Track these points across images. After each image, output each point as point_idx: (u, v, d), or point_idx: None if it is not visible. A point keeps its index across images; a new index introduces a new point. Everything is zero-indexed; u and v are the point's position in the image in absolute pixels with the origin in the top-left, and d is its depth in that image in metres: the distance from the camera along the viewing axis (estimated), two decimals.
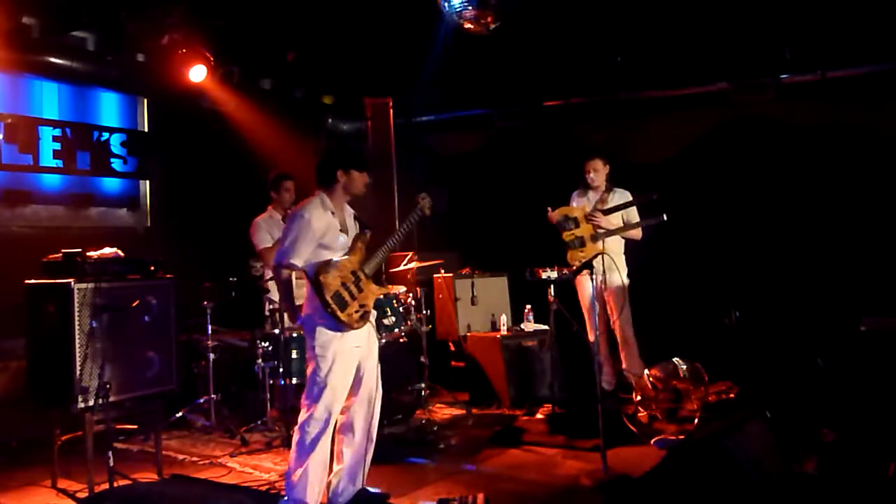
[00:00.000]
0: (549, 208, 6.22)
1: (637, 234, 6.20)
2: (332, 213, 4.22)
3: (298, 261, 4.10)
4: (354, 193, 4.32)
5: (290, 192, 6.16)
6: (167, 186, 7.55)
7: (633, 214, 6.18)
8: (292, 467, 4.05)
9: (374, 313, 4.38)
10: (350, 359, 4.15)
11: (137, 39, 6.47)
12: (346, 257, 4.21)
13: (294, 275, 4.21)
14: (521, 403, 6.46)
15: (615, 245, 6.15)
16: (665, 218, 5.84)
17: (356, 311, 4.12)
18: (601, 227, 6.02)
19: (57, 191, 6.83)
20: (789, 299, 6.74)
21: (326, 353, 4.07)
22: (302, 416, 4.09)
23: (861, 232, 6.62)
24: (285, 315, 5.47)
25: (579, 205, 6.29)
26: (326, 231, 4.16)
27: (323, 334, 4.08)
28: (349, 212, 4.40)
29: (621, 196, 6.17)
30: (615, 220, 6.12)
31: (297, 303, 4.30)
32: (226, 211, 7.15)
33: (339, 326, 4.06)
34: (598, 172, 6.24)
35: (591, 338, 5.63)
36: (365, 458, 4.29)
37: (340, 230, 4.24)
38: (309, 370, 4.14)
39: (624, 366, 6.27)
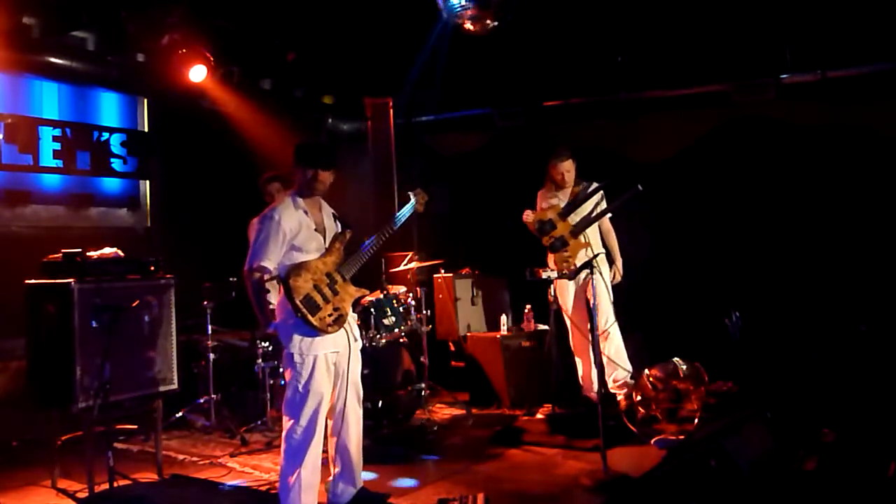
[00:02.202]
0: (528, 210, 6.09)
1: (609, 225, 6.09)
2: (305, 212, 4.11)
3: (269, 263, 4.00)
4: (313, 189, 4.15)
5: (281, 193, 6.14)
6: (167, 186, 7.54)
7: (603, 201, 6.04)
8: (284, 473, 4.00)
9: (354, 316, 4.28)
10: (329, 363, 4.06)
11: (137, 39, 6.46)
12: (320, 259, 4.09)
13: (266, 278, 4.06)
14: (521, 403, 6.45)
15: (595, 244, 6.06)
16: (640, 188, 5.54)
17: (329, 315, 3.99)
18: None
19: (57, 191, 6.83)
20: (789, 299, 6.74)
21: (304, 359, 3.97)
22: (286, 426, 4.00)
23: (861, 232, 6.62)
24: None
25: (549, 205, 6.13)
26: (298, 231, 4.05)
27: (299, 340, 3.98)
28: (328, 211, 4.28)
29: (594, 188, 6.02)
30: (587, 208, 5.99)
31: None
32: (226, 211, 7.14)
33: (314, 331, 3.95)
34: (570, 173, 6.10)
35: (590, 338, 5.62)
36: (359, 459, 4.27)
37: (315, 230, 4.13)
38: (287, 377, 4.05)
39: (608, 373, 6.03)
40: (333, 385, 4.13)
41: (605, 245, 6.16)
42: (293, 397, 4.00)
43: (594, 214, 5.89)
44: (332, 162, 4.15)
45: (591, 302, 5.15)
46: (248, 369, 6.09)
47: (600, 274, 5.89)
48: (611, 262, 6.18)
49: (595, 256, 5.30)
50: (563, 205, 6.00)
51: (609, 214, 6.01)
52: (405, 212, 4.44)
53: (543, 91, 7.96)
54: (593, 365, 5.84)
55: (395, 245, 7.51)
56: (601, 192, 5.99)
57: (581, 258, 5.71)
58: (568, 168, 6.10)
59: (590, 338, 5.23)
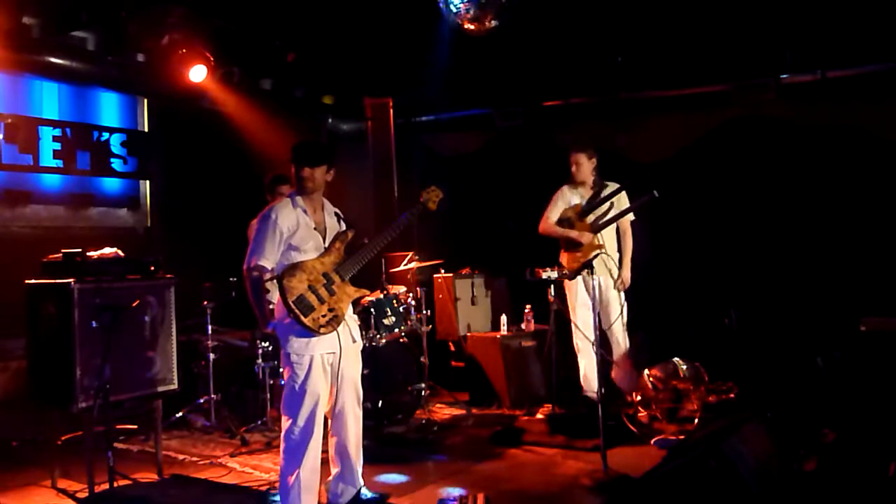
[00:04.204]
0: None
1: (627, 227, 6.11)
2: (304, 211, 4.10)
3: (267, 263, 4.00)
4: (303, 187, 4.11)
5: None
6: (167, 186, 7.55)
7: (623, 202, 6.04)
8: (284, 473, 4.00)
9: (354, 318, 4.28)
10: (325, 363, 4.05)
11: (137, 39, 6.47)
12: (317, 258, 4.07)
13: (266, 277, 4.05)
14: (521, 403, 6.45)
15: (611, 245, 6.09)
16: (656, 194, 5.64)
17: (323, 316, 3.97)
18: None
19: (57, 191, 6.83)
20: (789, 299, 6.74)
21: (301, 358, 3.97)
22: (284, 426, 4.01)
23: (861, 232, 6.62)
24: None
25: (567, 201, 6.14)
26: (296, 230, 4.04)
27: (296, 341, 3.98)
28: (330, 210, 4.27)
29: (614, 190, 6.01)
30: (605, 210, 5.98)
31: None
32: (226, 211, 7.15)
33: (307, 332, 3.96)
34: (580, 166, 6.05)
35: (591, 338, 5.63)
36: (359, 459, 4.27)
37: (315, 229, 4.12)
38: (285, 376, 4.05)
39: (613, 374, 6.14)
40: (331, 385, 4.12)
41: (619, 248, 6.16)
42: (291, 397, 4.00)
43: (610, 216, 5.91)
44: (315, 159, 4.10)
45: (592, 302, 5.16)
46: (248, 369, 6.08)
47: (610, 274, 5.93)
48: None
49: (594, 257, 5.30)
50: (584, 203, 6.02)
51: (631, 217, 6.04)
52: (415, 211, 4.38)
53: (543, 91, 7.96)
54: (621, 357, 6.01)
55: (395, 245, 7.50)
56: (623, 193, 5.99)
57: (603, 260, 5.79)
58: (578, 160, 6.06)
59: (591, 338, 5.27)
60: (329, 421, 4.20)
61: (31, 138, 6.51)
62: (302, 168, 4.09)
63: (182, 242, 7.17)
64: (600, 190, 6.05)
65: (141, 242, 7.28)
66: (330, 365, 4.09)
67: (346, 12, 7.06)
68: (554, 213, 6.11)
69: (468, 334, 7.00)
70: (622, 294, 6.05)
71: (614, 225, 6.04)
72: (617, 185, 6.05)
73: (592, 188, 6.10)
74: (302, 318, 3.91)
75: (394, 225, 4.30)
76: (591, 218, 5.95)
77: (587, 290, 6.04)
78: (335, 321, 4.03)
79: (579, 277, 5.78)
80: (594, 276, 5.15)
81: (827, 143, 6.85)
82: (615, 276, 5.99)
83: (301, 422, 3.96)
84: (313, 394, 3.98)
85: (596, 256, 5.36)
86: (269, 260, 4.01)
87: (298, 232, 4.06)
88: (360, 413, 4.27)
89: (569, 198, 6.16)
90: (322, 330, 3.98)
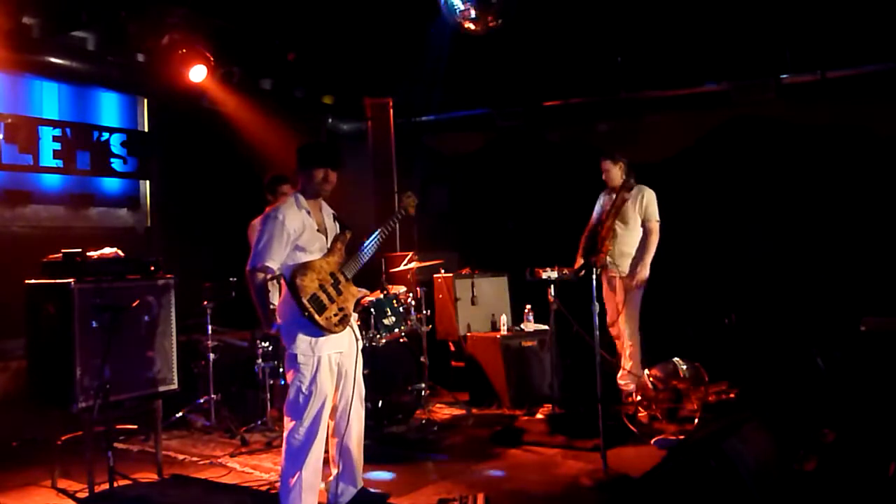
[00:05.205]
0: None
1: (651, 228, 6.10)
2: (308, 212, 4.11)
3: (273, 264, 3.98)
4: (318, 190, 4.16)
5: (286, 196, 6.15)
6: (167, 186, 7.55)
7: (649, 200, 6.09)
8: (285, 474, 3.99)
9: (354, 315, 4.28)
10: (332, 363, 4.06)
11: (137, 39, 6.47)
12: (323, 258, 4.09)
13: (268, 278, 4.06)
14: (521, 403, 6.45)
15: (629, 246, 6.12)
16: (627, 197, 5.81)
17: (335, 315, 3.99)
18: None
19: (57, 191, 6.83)
20: (789, 299, 6.74)
21: (309, 359, 3.96)
22: (287, 426, 4.00)
23: (861, 232, 6.62)
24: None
25: (601, 206, 6.25)
26: (302, 231, 4.04)
27: (303, 341, 3.96)
28: (328, 212, 4.29)
29: (638, 192, 6.06)
30: (630, 217, 6.07)
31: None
32: (226, 211, 7.15)
33: (319, 331, 3.95)
34: (608, 172, 6.15)
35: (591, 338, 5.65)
36: (360, 459, 4.28)
37: (318, 230, 4.13)
38: (290, 378, 4.04)
39: (619, 374, 6.20)
40: (336, 385, 4.13)
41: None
42: (296, 398, 3.99)
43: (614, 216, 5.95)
44: (339, 161, 4.19)
45: (592, 303, 5.17)
46: (248, 369, 6.08)
47: (618, 274, 5.98)
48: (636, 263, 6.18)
49: (587, 260, 5.34)
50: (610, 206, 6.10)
51: (657, 217, 6.09)
52: (398, 216, 4.46)
53: (543, 91, 7.97)
54: (627, 357, 6.10)
55: (395, 245, 7.52)
56: (643, 195, 6.05)
57: (608, 259, 5.87)
58: (605, 167, 6.17)
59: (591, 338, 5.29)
60: (330, 422, 4.19)
61: (31, 138, 6.51)
62: (328, 171, 4.12)
63: (182, 242, 7.18)
64: (629, 194, 6.11)
65: (141, 242, 7.27)
66: (337, 364, 4.10)
67: (345, 12, 7.06)
68: (591, 222, 6.22)
69: (468, 334, 7.00)
70: (634, 295, 6.07)
71: (636, 224, 6.09)
72: (647, 191, 6.09)
73: (622, 191, 6.14)
74: (317, 316, 3.91)
75: (382, 228, 4.34)
76: (610, 221, 6.00)
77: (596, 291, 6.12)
78: (346, 320, 4.06)
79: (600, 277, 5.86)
80: (606, 278, 5.22)
81: (827, 143, 6.85)
82: (621, 275, 6.04)
83: (307, 423, 3.95)
84: (321, 394, 3.98)
85: (587, 264, 5.40)
86: (275, 261, 4.00)
87: (305, 234, 4.06)
88: (362, 412, 4.29)
89: (601, 203, 6.29)
90: (335, 328, 3.99)
